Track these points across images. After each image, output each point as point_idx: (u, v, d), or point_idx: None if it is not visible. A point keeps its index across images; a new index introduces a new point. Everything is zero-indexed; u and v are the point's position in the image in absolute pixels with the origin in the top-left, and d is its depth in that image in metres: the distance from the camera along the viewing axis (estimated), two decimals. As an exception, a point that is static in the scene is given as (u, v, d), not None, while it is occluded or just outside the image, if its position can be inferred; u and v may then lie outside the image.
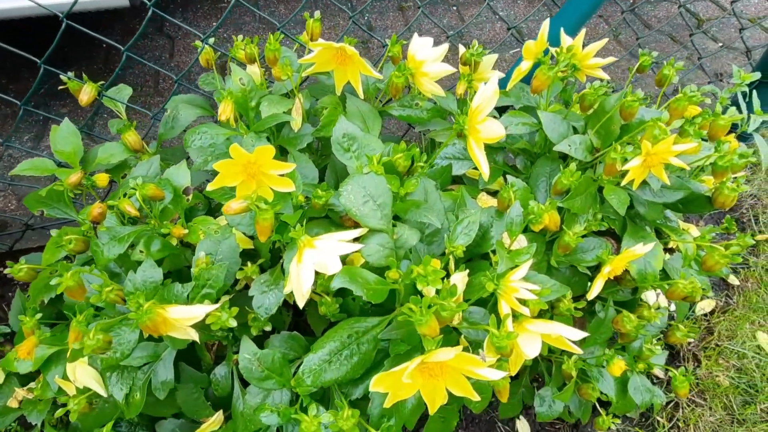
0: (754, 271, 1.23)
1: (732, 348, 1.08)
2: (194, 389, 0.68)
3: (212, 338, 0.61)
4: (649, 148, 0.60)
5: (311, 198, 0.64)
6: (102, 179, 0.78)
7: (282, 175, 0.61)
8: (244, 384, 0.65)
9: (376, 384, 0.49)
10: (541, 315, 0.61)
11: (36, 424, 0.76)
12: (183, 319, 0.53)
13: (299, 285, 0.54)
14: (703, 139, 0.71)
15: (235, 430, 0.65)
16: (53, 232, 0.76)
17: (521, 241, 0.65)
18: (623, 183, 0.62)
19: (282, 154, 0.81)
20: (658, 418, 1.00)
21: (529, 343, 0.53)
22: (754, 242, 1.04)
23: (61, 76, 0.81)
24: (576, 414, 0.83)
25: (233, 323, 0.57)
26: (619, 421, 0.95)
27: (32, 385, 0.77)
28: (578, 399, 0.82)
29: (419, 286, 0.50)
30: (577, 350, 0.56)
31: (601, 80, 0.80)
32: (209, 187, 0.60)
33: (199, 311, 0.53)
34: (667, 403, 1.02)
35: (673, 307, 1.11)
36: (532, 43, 0.72)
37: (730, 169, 0.65)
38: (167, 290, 0.61)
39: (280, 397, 0.63)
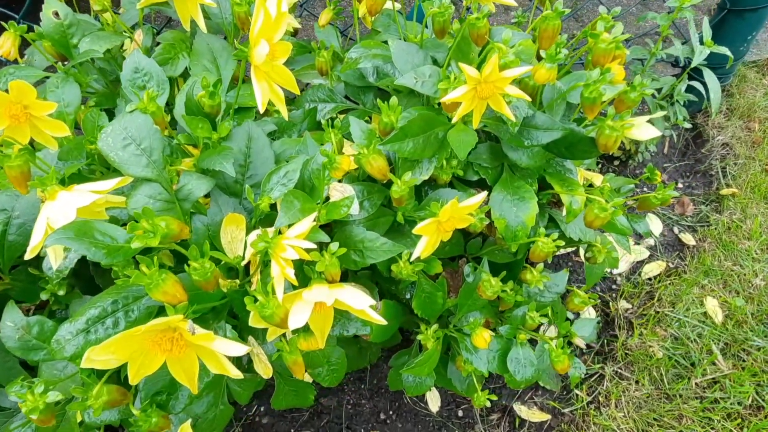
0: (713, 229, 1.09)
1: (674, 315, 0.96)
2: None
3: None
4: (480, 74, 0.48)
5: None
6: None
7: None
8: None
9: (94, 354, 0.41)
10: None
11: None
12: None
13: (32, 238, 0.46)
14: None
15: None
16: None
17: (347, 190, 0.55)
18: (455, 119, 0.51)
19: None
20: (577, 392, 0.90)
21: (297, 313, 0.44)
22: (677, 195, 0.91)
23: None
24: (461, 389, 0.75)
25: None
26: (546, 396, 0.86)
27: None
28: (457, 372, 0.73)
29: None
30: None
31: (508, 7, 0.68)
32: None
33: None
34: (591, 375, 0.92)
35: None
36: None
37: (599, 101, 0.53)
38: None
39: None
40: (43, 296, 0.57)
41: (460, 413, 0.92)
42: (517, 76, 0.47)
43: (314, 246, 0.45)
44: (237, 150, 0.57)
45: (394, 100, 0.53)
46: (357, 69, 0.70)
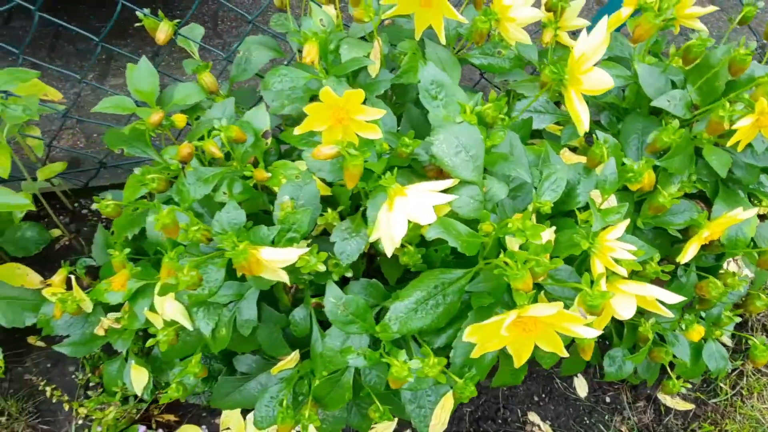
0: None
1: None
2: (274, 328, 0.70)
3: (299, 281, 0.62)
4: (764, 106, 0.55)
5: (397, 146, 0.62)
6: (180, 120, 0.79)
7: (368, 122, 0.60)
8: (323, 327, 0.67)
9: (471, 334, 0.49)
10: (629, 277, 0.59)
11: (120, 352, 0.80)
12: (275, 261, 0.54)
13: (390, 233, 0.54)
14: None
15: (314, 368, 0.67)
16: (137, 170, 0.77)
17: (611, 200, 0.63)
18: (729, 143, 0.59)
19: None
20: (721, 385, 0.99)
21: (623, 304, 0.52)
22: None
23: (138, 13, 0.81)
24: (642, 375, 0.83)
25: (322, 267, 0.58)
26: (689, 386, 0.94)
27: (114, 315, 0.81)
28: (647, 361, 0.81)
29: (516, 240, 0.49)
30: (668, 314, 0.55)
31: (699, 32, 0.75)
32: (297, 131, 0.60)
33: (290, 254, 0.54)
34: (732, 371, 1.00)
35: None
36: (635, -12, 0.67)
37: None
38: (253, 232, 0.62)
39: (359, 342, 0.65)
40: (335, 277, 0.65)
41: (608, 399, 1.00)
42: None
43: (632, 247, 0.53)
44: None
45: (675, 123, 0.60)
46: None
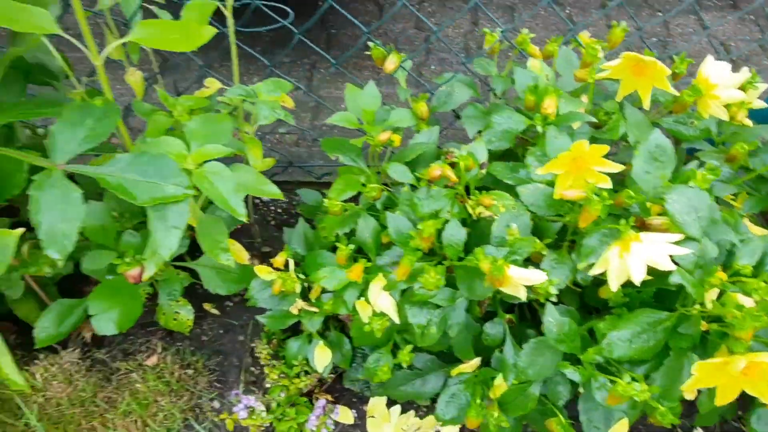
0: None
1: None
2: (467, 334, 0.80)
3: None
4: None
5: (617, 196, 0.72)
6: (396, 139, 0.91)
7: (601, 172, 0.69)
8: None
9: (699, 369, 0.57)
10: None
11: (310, 331, 0.92)
12: (522, 279, 0.64)
13: (622, 273, 0.63)
14: None
15: (504, 375, 0.76)
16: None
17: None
18: None
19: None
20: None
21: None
22: None
23: (369, 43, 0.94)
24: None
25: (554, 291, 0.67)
26: None
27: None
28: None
29: (754, 296, 0.57)
30: None
31: None
32: (541, 170, 0.70)
33: (538, 276, 0.64)
34: None
35: None
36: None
37: None
38: (481, 250, 0.72)
39: (549, 360, 0.74)
40: (541, 299, 0.74)
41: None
42: None
43: None
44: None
45: None
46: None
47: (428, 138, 0.92)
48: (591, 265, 0.70)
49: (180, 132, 0.82)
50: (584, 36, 0.93)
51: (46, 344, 0.85)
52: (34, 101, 0.82)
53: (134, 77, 0.89)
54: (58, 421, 0.94)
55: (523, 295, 0.66)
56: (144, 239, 0.86)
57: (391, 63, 0.92)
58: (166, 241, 0.68)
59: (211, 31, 0.69)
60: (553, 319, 0.69)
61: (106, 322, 0.80)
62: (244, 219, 0.72)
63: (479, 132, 0.87)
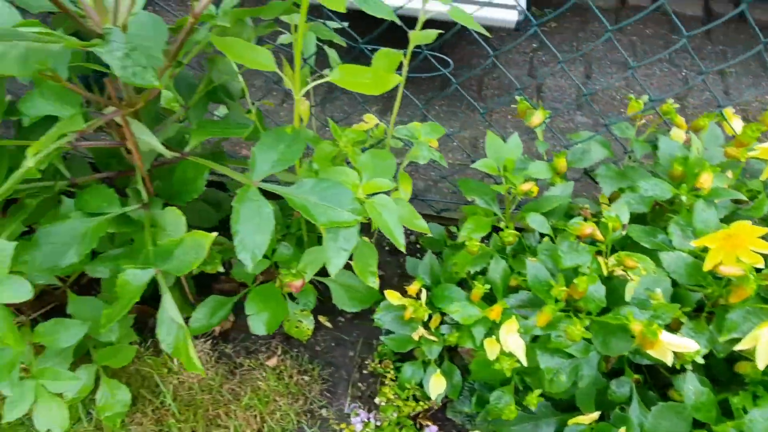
0: None
1: None
2: (593, 388, 0.83)
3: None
4: None
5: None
6: (535, 190, 0.96)
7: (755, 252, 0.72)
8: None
9: None
10: None
11: (429, 359, 0.97)
12: (671, 344, 0.67)
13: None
14: None
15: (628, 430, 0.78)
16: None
17: None
18: None
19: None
20: None
21: None
22: None
23: (516, 97, 1.01)
24: None
25: (701, 360, 0.70)
26: None
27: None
28: None
29: None
30: None
31: None
32: (695, 243, 0.73)
33: (690, 344, 0.67)
34: None
35: None
36: None
37: None
38: (617, 310, 0.76)
39: (676, 425, 0.76)
40: (677, 366, 0.77)
41: None
42: None
43: None
44: None
45: None
46: None
47: (563, 191, 0.97)
48: (733, 339, 0.72)
49: (341, 160, 0.91)
50: (729, 112, 0.96)
51: (198, 333, 0.95)
52: (225, 121, 0.94)
53: (303, 106, 0.99)
54: (189, 403, 1.04)
55: (669, 360, 0.69)
56: (295, 252, 0.95)
57: (537, 118, 0.98)
58: (335, 260, 0.76)
59: (397, 79, 0.78)
60: (692, 387, 0.71)
61: (258, 322, 0.89)
62: (403, 249, 0.79)
63: (620, 190, 0.91)
